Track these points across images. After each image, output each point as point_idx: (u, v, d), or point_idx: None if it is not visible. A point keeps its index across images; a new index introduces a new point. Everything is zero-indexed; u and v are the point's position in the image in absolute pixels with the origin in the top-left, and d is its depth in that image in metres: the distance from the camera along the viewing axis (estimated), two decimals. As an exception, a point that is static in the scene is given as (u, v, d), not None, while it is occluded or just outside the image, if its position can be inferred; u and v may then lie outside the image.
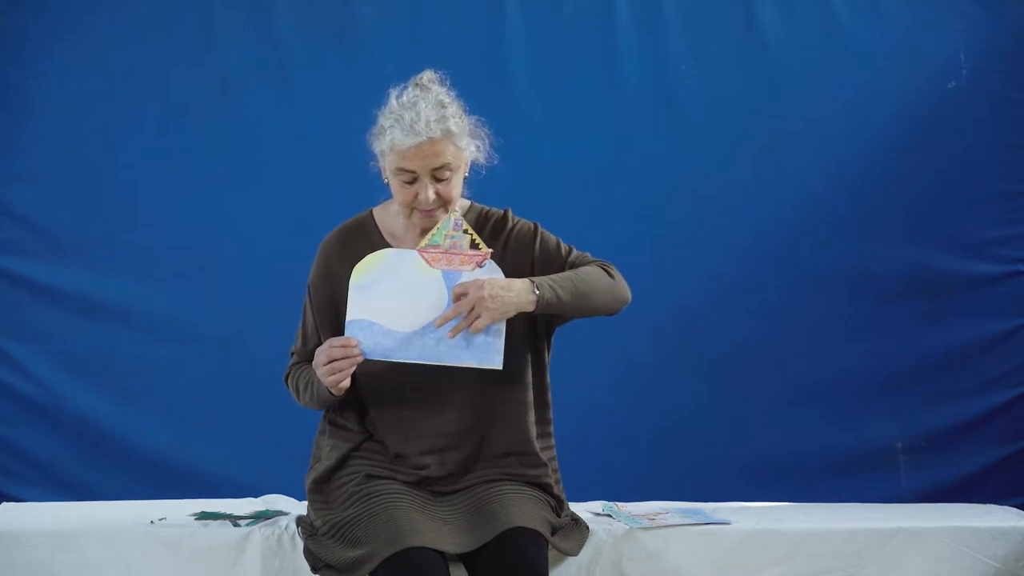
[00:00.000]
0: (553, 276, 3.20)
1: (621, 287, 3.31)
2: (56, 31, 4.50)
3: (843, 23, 4.65)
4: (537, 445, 3.31)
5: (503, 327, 3.14)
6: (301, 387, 3.28)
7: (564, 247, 3.33)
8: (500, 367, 3.16)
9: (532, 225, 3.34)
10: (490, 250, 3.16)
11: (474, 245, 3.17)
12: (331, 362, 3.12)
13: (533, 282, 3.15)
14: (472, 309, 3.11)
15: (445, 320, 3.13)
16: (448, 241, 3.14)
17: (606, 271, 3.29)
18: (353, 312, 3.14)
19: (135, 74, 4.53)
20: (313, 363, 3.18)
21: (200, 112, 4.55)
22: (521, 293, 3.13)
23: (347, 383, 3.14)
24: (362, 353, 3.13)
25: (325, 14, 4.58)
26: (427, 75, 3.25)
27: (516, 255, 3.28)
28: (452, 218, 3.14)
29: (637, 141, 4.63)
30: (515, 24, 4.62)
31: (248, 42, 4.57)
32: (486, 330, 3.13)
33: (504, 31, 4.62)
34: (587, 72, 4.64)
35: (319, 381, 3.17)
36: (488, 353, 3.14)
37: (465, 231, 3.15)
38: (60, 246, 4.52)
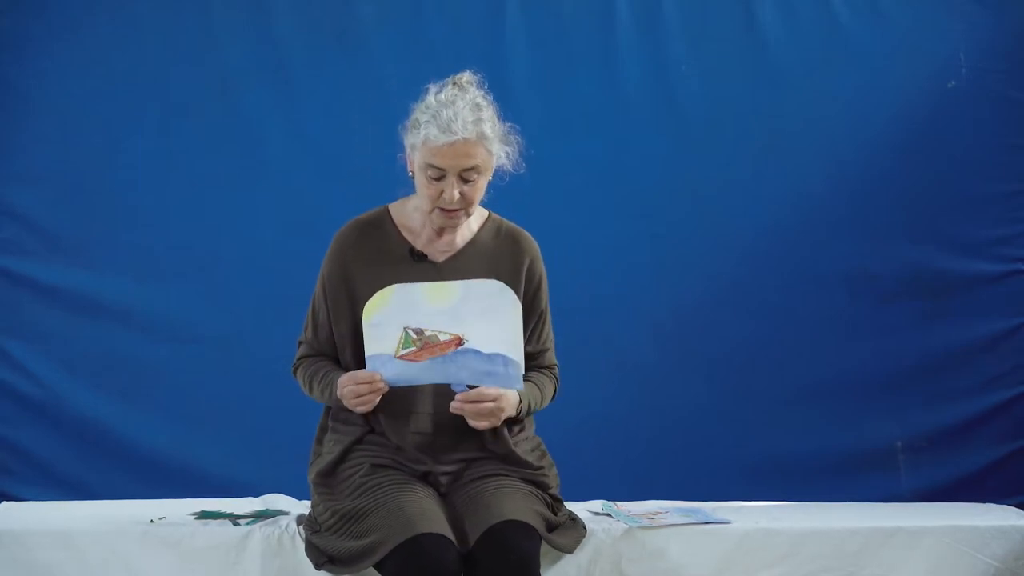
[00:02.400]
0: (534, 395, 3.31)
1: (547, 406, 3.41)
2: (56, 31, 4.50)
3: (843, 23, 4.65)
4: (525, 448, 3.34)
5: (520, 360, 3.16)
6: (315, 387, 3.30)
7: (545, 332, 3.39)
8: (521, 388, 3.22)
9: (543, 280, 3.38)
10: (460, 334, 3.16)
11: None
12: (358, 396, 3.17)
13: (520, 403, 3.25)
14: (480, 414, 3.18)
15: (460, 404, 3.19)
16: (419, 343, 3.16)
17: (555, 390, 3.40)
18: (371, 348, 3.17)
19: (135, 74, 4.53)
20: (338, 393, 3.21)
21: (200, 112, 4.54)
22: (511, 409, 3.23)
23: (373, 404, 3.21)
24: (386, 383, 3.18)
25: (325, 14, 4.58)
26: (466, 76, 3.28)
27: (514, 281, 3.31)
28: (408, 332, 3.15)
29: (637, 141, 4.63)
30: (515, 24, 4.62)
31: (248, 42, 4.56)
32: (505, 365, 3.16)
33: (504, 31, 4.62)
34: (587, 72, 4.64)
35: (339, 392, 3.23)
36: (507, 381, 3.18)
37: (427, 331, 3.15)
38: (60, 246, 4.51)
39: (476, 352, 3.15)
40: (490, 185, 3.31)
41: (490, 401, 3.18)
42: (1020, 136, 4.63)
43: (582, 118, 4.63)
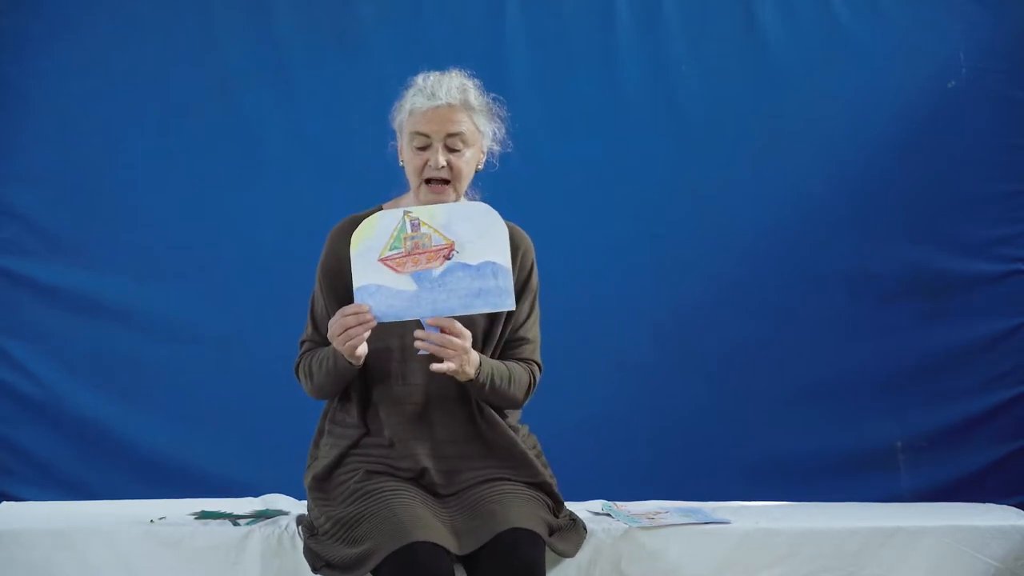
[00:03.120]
0: (500, 369, 3.25)
1: (522, 399, 3.34)
2: (56, 31, 4.50)
3: (843, 23, 4.65)
4: (525, 446, 3.33)
5: (508, 268, 3.15)
6: (315, 368, 3.28)
7: (530, 320, 3.35)
8: (513, 307, 3.18)
9: (533, 270, 3.36)
10: (453, 240, 3.15)
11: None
12: (345, 330, 3.13)
13: (480, 366, 3.19)
14: (444, 347, 3.13)
15: (423, 341, 3.14)
16: (409, 243, 3.14)
17: (530, 384, 3.34)
18: (359, 279, 3.15)
19: (135, 74, 4.53)
20: (328, 335, 3.18)
21: (200, 112, 4.54)
22: (471, 366, 3.18)
23: (364, 349, 3.16)
24: (375, 317, 3.14)
25: (325, 14, 4.58)
26: (454, 71, 3.31)
27: None
28: (407, 220, 3.14)
29: (637, 141, 4.63)
30: (515, 24, 4.62)
31: (248, 42, 4.56)
32: (495, 274, 3.14)
33: (504, 31, 4.62)
34: (587, 72, 4.64)
35: (336, 353, 3.19)
36: (499, 296, 3.16)
37: (424, 226, 3.15)
38: (60, 246, 4.52)
39: (464, 266, 3.13)
40: (487, 178, 3.30)
41: (460, 336, 3.13)
42: (1020, 136, 4.62)
43: (582, 118, 4.63)
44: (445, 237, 3.15)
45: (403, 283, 3.15)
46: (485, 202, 3.37)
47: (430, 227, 3.15)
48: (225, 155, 4.56)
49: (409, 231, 3.15)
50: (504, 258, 3.15)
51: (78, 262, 4.53)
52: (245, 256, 4.56)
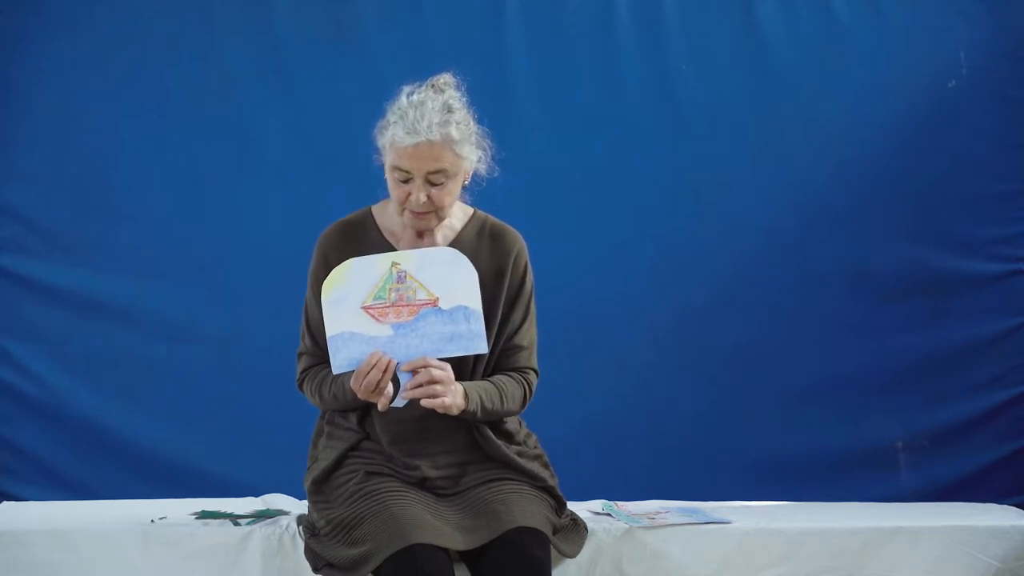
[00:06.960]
0: (489, 392, 3.21)
1: (518, 411, 3.32)
2: (54, 29, 4.50)
3: (843, 23, 4.65)
4: (527, 449, 3.33)
5: (480, 311, 3.13)
6: (326, 395, 3.27)
7: (525, 326, 3.32)
8: (487, 350, 3.17)
9: (527, 274, 3.32)
10: (437, 296, 3.13)
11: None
12: (375, 385, 3.09)
13: (468, 396, 3.16)
14: (433, 382, 3.10)
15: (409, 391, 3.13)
16: (393, 294, 3.13)
17: (524, 396, 3.30)
18: (332, 327, 3.13)
19: (134, 73, 4.53)
20: (357, 394, 3.15)
21: (200, 111, 4.54)
22: (459, 396, 3.15)
23: (391, 388, 3.13)
24: (348, 367, 3.13)
25: (325, 13, 4.58)
26: (444, 78, 3.24)
27: (496, 282, 3.27)
28: (394, 272, 3.13)
29: (637, 141, 4.63)
30: (515, 24, 4.62)
31: (248, 41, 4.56)
32: (467, 318, 3.13)
33: (504, 31, 4.62)
34: (587, 72, 4.64)
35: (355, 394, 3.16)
36: (471, 340, 3.14)
37: (409, 279, 3.14)
38: (60, 245, 4.51)
39: (438, 311, 3.12)
40: (476, 188, 3.29)
41: (440, 369, 3.10)
42: (1020, 136, 4.62)
43: (582, 118, 4.63)
44: (430, 292, 3.13)
45: (375, 329, 3.13)
46: (475, 203, 3.37)
47: (416, 281, 3.13)
48: (225, 154, 4.56)
49: (395, 282, 3.14)
50: (476, 302, 3.13)
51: (78, 261, 4.53)
52: (245, 255, 4.56)
